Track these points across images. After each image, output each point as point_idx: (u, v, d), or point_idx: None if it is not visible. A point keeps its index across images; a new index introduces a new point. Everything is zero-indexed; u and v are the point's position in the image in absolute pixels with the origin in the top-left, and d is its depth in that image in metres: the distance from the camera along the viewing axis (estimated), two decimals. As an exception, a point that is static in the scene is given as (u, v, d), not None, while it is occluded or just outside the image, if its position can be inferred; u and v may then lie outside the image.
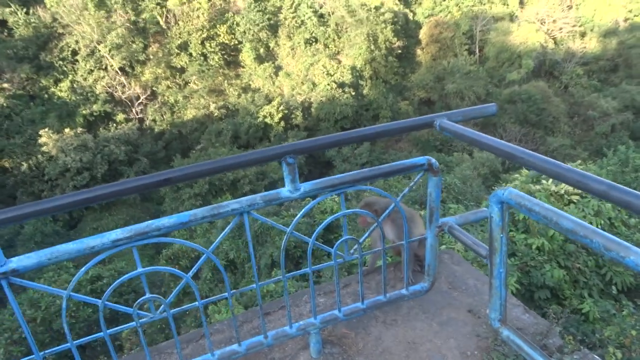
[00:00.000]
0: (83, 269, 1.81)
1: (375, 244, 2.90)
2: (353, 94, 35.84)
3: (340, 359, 2.46)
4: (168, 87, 37.27)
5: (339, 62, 37.84)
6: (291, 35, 38.85)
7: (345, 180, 2.16)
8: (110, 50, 35.32)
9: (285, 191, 2.06)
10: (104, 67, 35.82)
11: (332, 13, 38.64)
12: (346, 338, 2.61)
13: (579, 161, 11.66)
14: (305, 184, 2.09)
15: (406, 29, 40.04)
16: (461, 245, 8.45)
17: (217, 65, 38.20)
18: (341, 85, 36.10)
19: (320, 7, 38.87)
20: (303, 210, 2.11)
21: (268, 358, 2.49)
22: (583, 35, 41.12)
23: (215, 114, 36.03)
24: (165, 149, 35.16)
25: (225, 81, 38.09)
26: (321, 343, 2.46)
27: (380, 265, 3.20)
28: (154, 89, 37.05)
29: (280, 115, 34.00)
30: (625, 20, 41.74)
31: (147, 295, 2.00)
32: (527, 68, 37.34)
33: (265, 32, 38.63)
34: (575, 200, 7.77)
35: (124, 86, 36.19)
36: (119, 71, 36.07)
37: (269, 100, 36.19)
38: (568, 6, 41.96)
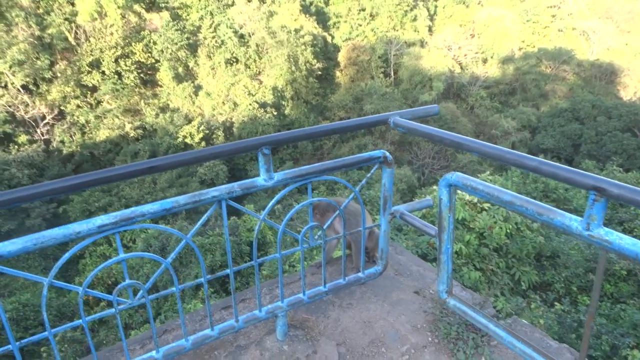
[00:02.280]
0: (67, 254, 1.87)
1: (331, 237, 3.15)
2: (275, 113, 36.26)
3: (304, 339, 2.64)
4: (78, 106, 35.32)
5: (260, 82, 38.20)
6: (211, 54, 38.64)
7: (312, 170, 2.38)
8: (10, 67, 32.89)
9: (260, 180, 2.24)
10: (3, 84, 33.25)
11: (253, 34, 39.04)
12: (308, 322, 2.81)
13: (488, 172, 12.77)
14: (278, 174, 2.29)
15: (325, 51, 41.44)
16: (403, 238, 8.96)
17: (132, 84, 36.92)
18: (263, 105, 36.40)
19: (241, 28, 39.13)
20: (276, 197, 2.30)
21: (234, 345, 2.61)
22: (485, 61, 45.06)
23: (131, 135, 34.68)
24: (75, 171, 33.16)
25: (142, 100, 36.87)
26: (287, 326, 2.63)
27: (335, 257, 3.44)
28: (62, 108, 34.93)
29: (200, 135, 33.49)
30: (520, 49, 46.45)
31: (127, 281, 2.08)
32: (437, 90, 40.08)
33: (184, 51, 38.09)
34: (486, 208, 8.57)
35: (27, 105, 33.75)
36: (21, 89, 33.64)
37: (188, 120, 35.55)
38: (471, 34, 45.88)
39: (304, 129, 2.32)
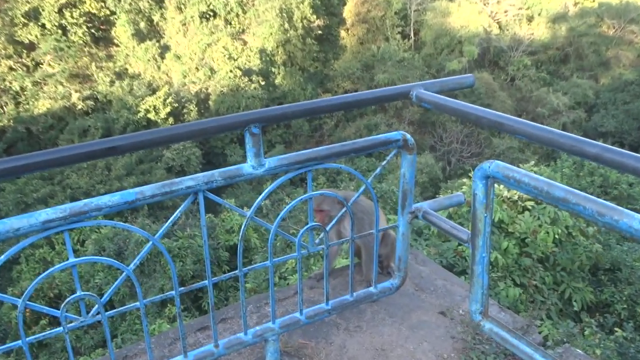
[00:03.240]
0: (2, 257, 1.87)
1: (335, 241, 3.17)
2: (262, 83, 36.26)
3: (302, 371, 2.66)
4: (11, 68, 35.23)
5: (245, 43, 38.11)
6: (182, 6, 38.48)
7: (313, 156, 2.39)
8: None
9: (247, 167, 2.25)
10: None
11: (235, -20, 38.90)
12: (305, 349, 2.82)
13: (532, 162, 12.81)
14: (271, 159, 2.32)
15: (328, 4, 41.27)
16: (424, 245, 9.06)
17: (81, 42, 36.81)
18: (247, 72, 36.37)
19: (220, -28, 38.97)
20: (270, 187, 2.31)
21: (213, 377, 2.63)
22: (530, 19, 44.97)
23: (79, 107, 34.63)
24: (7, 152, 33.16)
25: (93, 63, 36.78)
26: (280, 353, 2.65)
27: (339, 267, 3.45)
28: (-11, 70, 34.87)
29: (167, 109, 33.47)
30: (575, 4, 46.27)
31: (79, 293, 2.09)
32: (469, 56, 40.07)
33: (148, 1, 37.92)
34: (529, 207, 8.61)
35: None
36: None
37: (152, 89, 35.52)
38: (514, -15, 45.70)
39: (301, 103, 2.33)
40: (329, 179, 26.08)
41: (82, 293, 2.09)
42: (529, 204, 8.64)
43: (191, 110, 34.33)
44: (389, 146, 2.60)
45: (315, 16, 39.13)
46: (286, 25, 37.72)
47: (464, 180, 12.30)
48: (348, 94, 2.50)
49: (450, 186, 20.42)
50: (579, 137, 1.95)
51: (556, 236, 8.31)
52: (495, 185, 2.36)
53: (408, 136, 2.61)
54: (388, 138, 2.58)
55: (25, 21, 35.95)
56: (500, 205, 8.55)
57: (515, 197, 8.79)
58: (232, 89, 35.47)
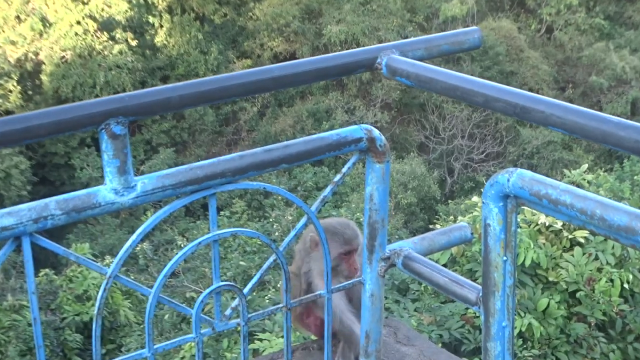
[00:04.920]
0: None
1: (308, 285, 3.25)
2: (134, 44, 36.02)
3: None
4: None
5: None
6: None
7: (219, 170, 2.42)
8: None
9: (106, 191, 2.26)
10: None
11: None
12: None
13: (585, 166, 13.06)
14: (147, 178, 2.33)
15: None
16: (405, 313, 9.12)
17: None
18: (107, 25, 36.09)
19: None
20: (144, 226, 2.30)
21: None
22: None
23: None
24: None
25: None
26: None
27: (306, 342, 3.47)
28: None
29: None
30: None
31: None
32: (478, -7, 40.75)
33: None
34: (581, 240, 8.80)
35: None
36: None
37: None
38: None
39: (200, 81, 2.35)
40: (252, 205, 26.17)
41: None
42: (581, 234, 8.81)
43: (10, 92, 33.76)
44: (345, 149, 2.65)
45: None
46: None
47: (475, 199, 12.46)
48: (279, 64, 2.51)
49: (453, 210, 20.67)
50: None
51: (625, 286, 8.43)
52: (524, 207, 2.41)
53: (375, 132, 2.66)
54: (342, 137, 2.62)
55: None
56: (534, 238, 8.69)
57: (559, 225, 8.97)
58: (81, 54, 35.09)
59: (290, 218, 21.20)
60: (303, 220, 2.71)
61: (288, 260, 2.90)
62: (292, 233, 2.75)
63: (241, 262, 17.67)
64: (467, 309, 8.60)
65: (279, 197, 23.37)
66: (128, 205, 2.30)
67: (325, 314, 2.93)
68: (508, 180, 2.30)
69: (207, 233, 2.60)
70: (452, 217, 15.86)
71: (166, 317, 14.02)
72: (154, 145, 34.87)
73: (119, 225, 28.06)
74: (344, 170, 2.71)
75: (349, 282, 3.03)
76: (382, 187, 2.76)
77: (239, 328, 2.70)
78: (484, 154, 33.58)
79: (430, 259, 2.87)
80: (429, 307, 9.14)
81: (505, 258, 2.41)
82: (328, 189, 2.69)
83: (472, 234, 2.94)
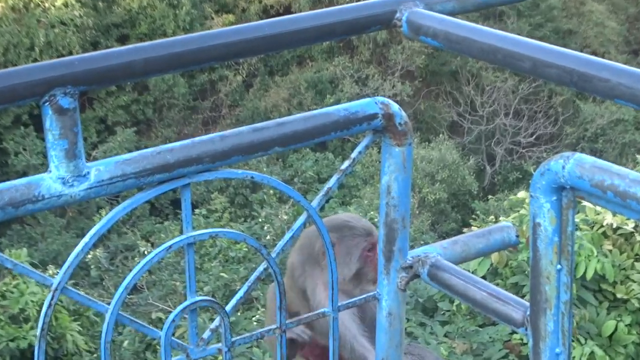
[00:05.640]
0: None
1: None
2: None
3: None
4: None
5: None
6: None
7: (193, 154, 2.41)
8: None
9: (51, 180, 2.24)
10: None
11: None
12: None
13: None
14: (102, 164, 2.31)
15: None
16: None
17: None
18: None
19: None
20: (98, 226, 2.31)
21: None
22: None
23: None
24: None
25: None
26: None
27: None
28: None
29: None
30: None
31: None
32: None
33: None
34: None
35: None
36: None
37: None
38: None
39: (167, 41, 2.35)
40: (235, 202, 26.20)
41: None
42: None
43: None
44: (355, 129, 2.64)
45: None
46: None
47: (522, 194, 12.46)
48: (270, 20, 2.50)
49: (494, 208, 20.63)
50: None
51: None
52: (584, 203, 2.39)
53: (394, 107, 2.65)
54: (352, 113, 2.61)
55: None
56: (598, 243, 8.69)
57: (630, 227, 8.97)
58: (15, 7, 35.13)
59: (285, 218, 21.16)
60: (301, 218, 2.67)
61: (282, 271, 2.89)
62: (288, 235, 2.69)
63: (222, 274, 17.57)
64: (511, 333, 8.61)
65: (271, 191, 23.21)
66: (79, 198, 2.26)
67: (330, 338, 2.88)
68: (563, 168, 2.25)
69: (179, 235, 2.56)
70: (492, 217, 15.92)
71: (126, 343, 13.98)
72: (109, 124, 34.86)
73: (64, 226, 28.00)
74: (353, 155, 2.66)
75: (360, 297, 2.99)
76: (402, 176, 2.72)
77: (220, 356, 2.70)
78: (534, 137, 33.54)
79: (464, 269, 2.86)
80: (463, 331, 9.14)
81: (559, 267, 2.39)
82: (333, 179, 2.66)
83: (517, 236, 2.91)
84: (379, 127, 2.65)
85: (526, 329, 2.51)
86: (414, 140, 2.93)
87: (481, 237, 2.89)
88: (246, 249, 18.43)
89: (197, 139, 2.46)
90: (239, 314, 14.79)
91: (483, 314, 2.45)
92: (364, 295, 2.99)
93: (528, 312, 2.51)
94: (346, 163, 2.67)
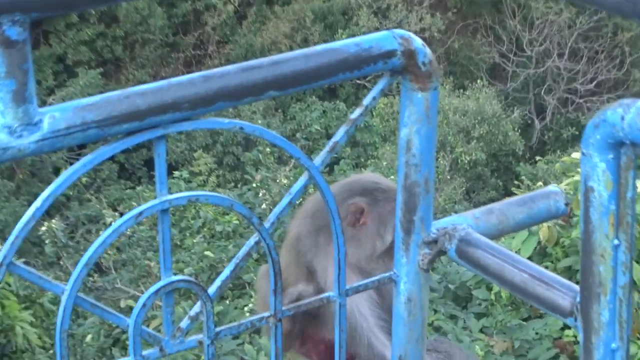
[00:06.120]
0: None
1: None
2: None
3: None
4: None
5: None
6: None
7: (169, 99, 2.39)
8: None
9: (-5, 127, 2.24)
10: None
11: None
12: None
13: None
14: (57, 110, 2.28)
15: None
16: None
17: None
18: None
19: None
20: (53, 186, 2.33)
21: None
22: None
23: None
24: None
25: None
26: None
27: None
28: None
29: None
30: None
31: None
32: None
33: None
34: None
35: None
36: None
37: None
38: None
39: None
40: (224, 162, 26.22)
41: None
42: None
43: None
44: (369, 69, 2.61)
45: None
46: None
47: (578, 155, 12.43)
48: None
49: (544, 172, 20.57)
50: None
51: None
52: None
53: (416, 42, 2.64)
54: (365, 48, 2.59)
55: None
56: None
57: None
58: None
59: (285, 182, 21.03)
60: (301, 180, 2.64)
61: (279, 246, 2.88)
62: (284, 200, 2.65)
63: (207, 253, 17.39)
64: (562, 329, 8.57)
65: (267, 149, 22.95)
66: (29, 151, 2.22)
67: (336, 328, 2.83)
68: (622, 118, 2.17)
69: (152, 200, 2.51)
70: (540, 183, 15.91)
71: (89, 338, 13.95)
72: (70, 64, 34.78)
73: (13, 191, 27.99)
74: (366, 102, 2.62)
75: (372, 278, 2.93)
76: (425, 128, 2.67)
77: (201, 348, 2.72)
78: (595, 83, 33.36)
79: (502, 246, 2.83)
80: (503, 326, 9.09)
81: (616, 242, 2.34)
82: (340, 131, 2.62)
83: (567, 204, 2.86)
84: (397, 66, 2.62)
85: (575, 319, 2.45)
86: (445, 87, 2.91)
87: (522, 205, 2.84)
88: (237, 221, 18.25)
89: (174, 79, 2.41)
90: (227, 302, 14.71)
91: (521, 298, 2.39)
92: (376, 277, 2.93)
93: (578, 299, 2.45)
94: (357, 111, 2.64)
